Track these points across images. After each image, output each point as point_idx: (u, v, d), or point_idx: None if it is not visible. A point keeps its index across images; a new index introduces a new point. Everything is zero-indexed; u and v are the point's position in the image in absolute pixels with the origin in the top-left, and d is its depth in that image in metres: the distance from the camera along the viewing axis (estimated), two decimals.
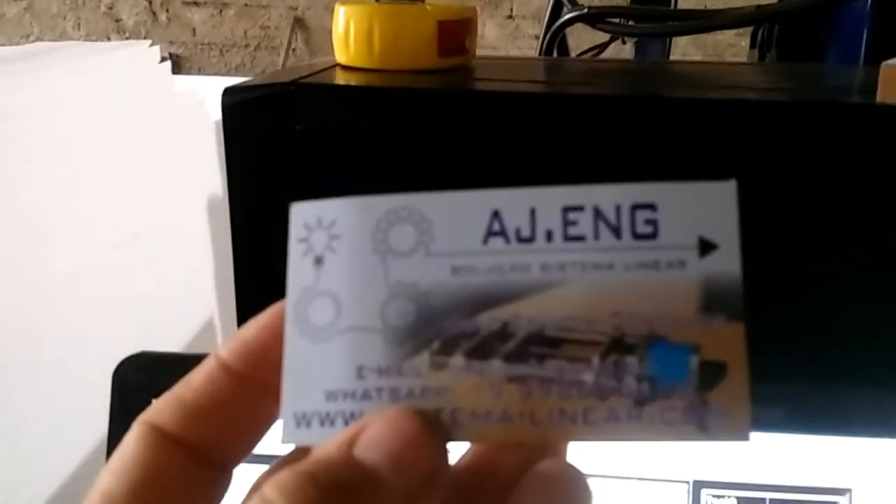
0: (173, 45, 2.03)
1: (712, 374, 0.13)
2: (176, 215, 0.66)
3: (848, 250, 0.32)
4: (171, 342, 0.60)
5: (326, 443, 0.13)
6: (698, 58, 1.78)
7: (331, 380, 0.14)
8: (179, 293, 0.66)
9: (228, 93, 0.33)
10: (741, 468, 0.31)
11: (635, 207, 0.13)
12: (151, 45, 0.69)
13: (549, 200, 0.14)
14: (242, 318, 0.34)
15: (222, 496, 0.15)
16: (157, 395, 0.31)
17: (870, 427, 0.30)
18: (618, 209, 0.13)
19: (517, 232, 0.14)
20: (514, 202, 0.14)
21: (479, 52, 0.40)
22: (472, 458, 0.15)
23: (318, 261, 0.14)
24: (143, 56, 0.67)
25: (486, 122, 0.33)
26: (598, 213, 0.13)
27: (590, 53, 0.68)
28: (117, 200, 0.58)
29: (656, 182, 0.14)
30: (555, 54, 0.54)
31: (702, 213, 0.13)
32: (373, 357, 0.14)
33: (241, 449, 0.15)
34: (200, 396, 0.14)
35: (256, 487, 0.13)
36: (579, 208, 0.14)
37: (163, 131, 0.65)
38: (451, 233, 0.14)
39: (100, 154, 0.57)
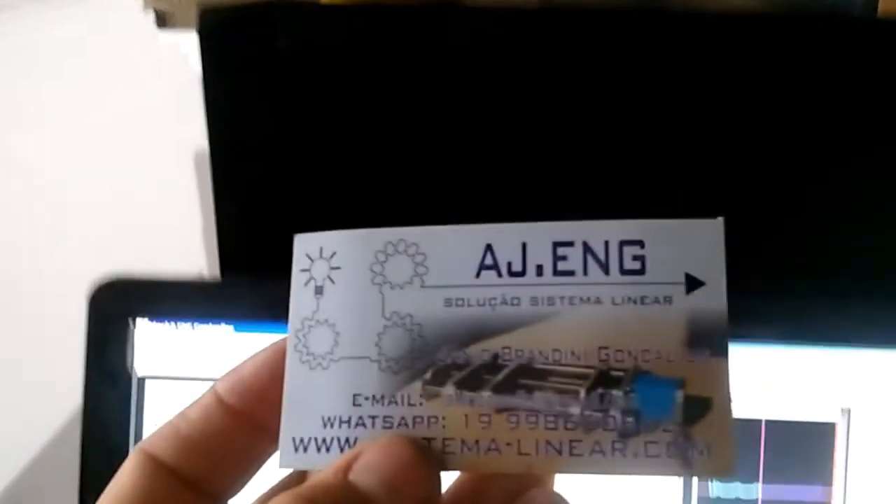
0: (159, 1, 2.00)
1: (696, 408, 0.13)
2: (160, 169, 0.65)
3: (846, 164, 0.31)
4: None
5: (323, 468, 0.14)
6: None
7: (327, 406, 0.14)
8: (165, 246, 0.65)
9: (206, 12, 0.32)
10: (734, 389, 0.30)
11: (623, 244, 0.14)
12: None
13: (540, 235, 0.14)
14: (224, 242, 0.33)
15: None
16: (133, 317, 0.30)
17: (870, 339, 0.29)
18: (606, 245, 0.14)
19: (509, 266, 0.14)
20: (507, 237, 0.14)
21: None
22: (460, 486, 0.15)
23: (319, 290, 0.14)
24: (126, 4, 0.66)
25: (475, 39, 0.32)
26: (587, 249, 0.14)
27: None
28: (99, 152, 0.57)
29: (644, 220, 0.14)
30: None
31: (689, 250, 0.14)
32: (368, 385, 0.14)
33: (235, 482, 0.15)
34: (196, 430, 0.15)
35: None
36: (569, 244, 0.14)
37: (146, 84, 0.64)
38: (446, 266, 0.14)
39: (82, 105, 0.55)
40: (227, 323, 0.29)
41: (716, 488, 0.29)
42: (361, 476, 0.13)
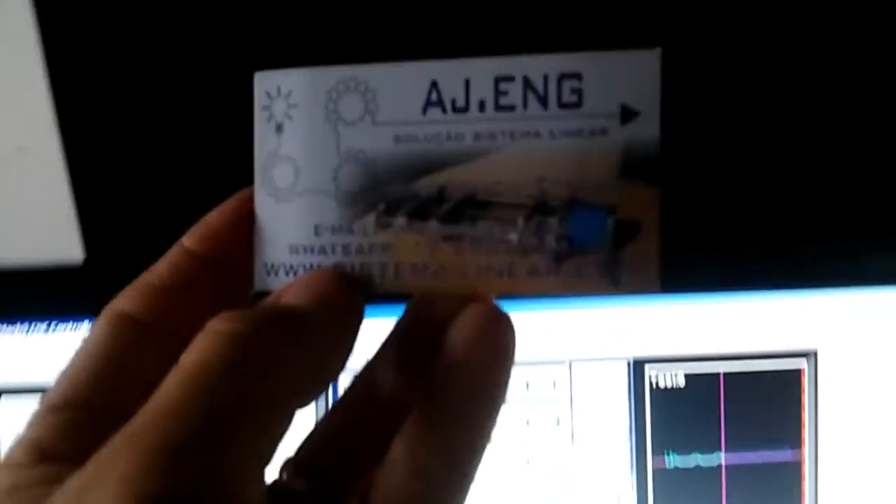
0: None
1: (626, 233, 0.14)
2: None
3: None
4: None
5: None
6: None
7: (293, 236, 0.16)
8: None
9: None
10: (688, 340, 0.26)
11: (562, 77, 0.14)
12: None
13: (482, 71, 0.15)
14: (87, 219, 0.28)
15: None
16: None
17: (828, 280, 0.26)
18: (545, 79, 0.15)
19: (453, 102, 0.15)
20: (451, 73, 0.15)
21: None
22: (412, 309, 0.16)
23: (279, 128, 0.16)
24: None
25: None
26: (527, 83, 0.15)
27: None
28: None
29: (583, 52, 0.14)
30: None
31: (625, 82, 0.14)
32: (327, 217, 0.15)
33: None
34: (167, 281, 0.15)
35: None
36: (510, 78, 0.15)
37: None
38: (394, 103, 0.15)
39: None
40: (91, 320, 0.25)
41: (673, 459, 0.26)
42: (293, 296, 0.15)
